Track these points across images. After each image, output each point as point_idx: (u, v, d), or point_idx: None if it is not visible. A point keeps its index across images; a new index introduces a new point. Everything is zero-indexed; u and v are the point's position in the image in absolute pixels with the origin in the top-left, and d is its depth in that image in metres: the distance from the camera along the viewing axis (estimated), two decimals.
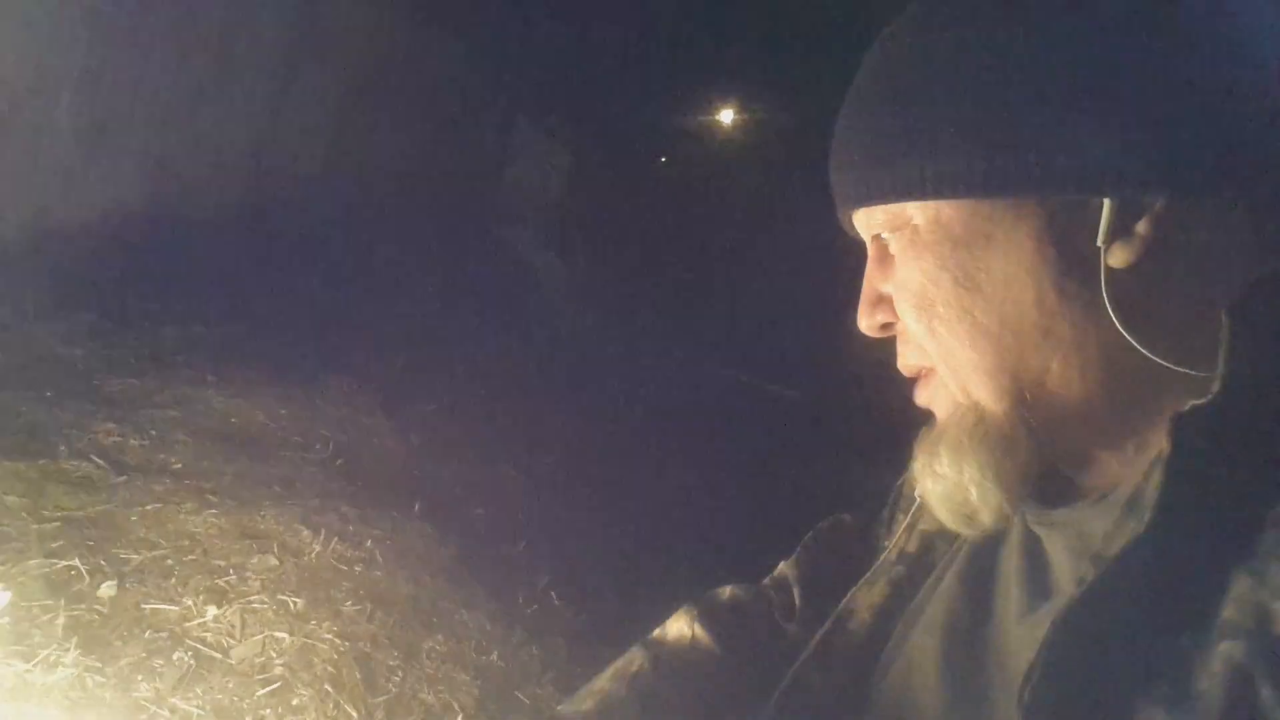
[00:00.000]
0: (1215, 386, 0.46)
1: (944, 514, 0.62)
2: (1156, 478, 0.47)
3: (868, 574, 0.75)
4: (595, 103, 13.30)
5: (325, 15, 6.96)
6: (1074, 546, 0.57)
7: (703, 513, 4.23)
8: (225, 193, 6.18)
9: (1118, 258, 0.53)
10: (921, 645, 0.66)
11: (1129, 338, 0.52)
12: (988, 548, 0.66)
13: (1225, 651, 0.42)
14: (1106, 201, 0.52)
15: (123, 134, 5.03)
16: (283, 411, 3.50)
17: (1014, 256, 0.55)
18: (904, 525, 0.75)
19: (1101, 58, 0.52)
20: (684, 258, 14.38)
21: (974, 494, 0.59)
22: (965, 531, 0.63)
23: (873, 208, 0.62)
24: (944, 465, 0.60)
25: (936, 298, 0.58)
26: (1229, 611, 0.43)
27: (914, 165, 0.57)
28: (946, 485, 0.60)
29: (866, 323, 0.66)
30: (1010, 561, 0.63)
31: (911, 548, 0.74)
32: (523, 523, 3.30)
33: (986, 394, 0.58)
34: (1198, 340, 0.50)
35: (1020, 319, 0.56)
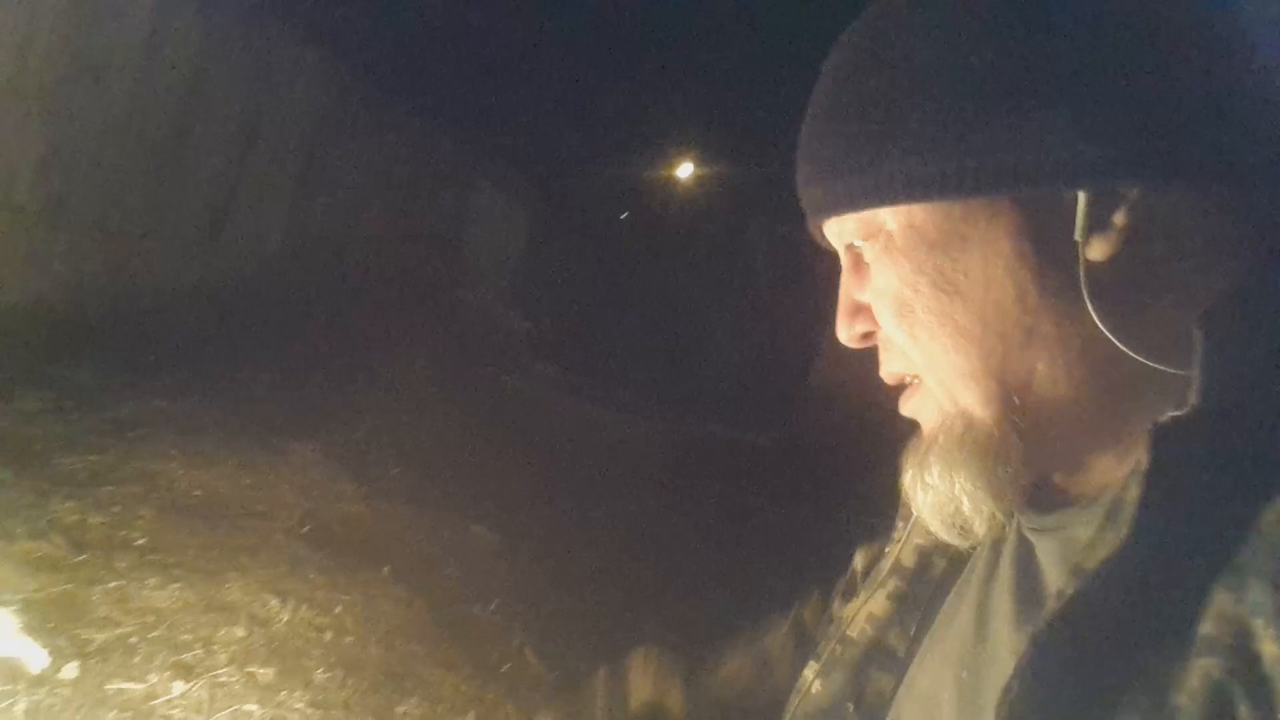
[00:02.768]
0: (1191, 399, 0.46)
1: (936, 525, 0.61)
2: (1135, 489, 0.46)
3: (866, 583, 0.75)
4: (553, 161, 13.51)
5: (282, 86, 7.05)
6: (1062, 553, 0.57)
7: (675, 564, 4.22)
8: (184, 265, 6.17)
9: (1097, 251, 0.52)
10: (931, 668, 0.66)
11: (1107, 334, 0.51)
12: (989, 558, 0.65)
13: (1203, 667, 0.42)
14: (1081, 194, 0.51)
15: (81, 210, 5.03)
16: (247, 481, 3.47)
17: (991, 256, 0.54)
18: (899, 539, 0.74)
19: (1065, 49, 0.52)
20: (647, 312, 14.50)
21: (966, 504, 0.58)
22: (959, 543, 0.62)
23: (844, 216, 0.61)
24: (934, 476, 0.59)
25: (916, 303, 0.57)
26: (1207, 627, 0.43)
27: (882, 170, 0.56)
28: (938, 496, 0.59)
29: (846, 333, 0.64)
30: (1005, 571, 0.62)
31: (908, 561, 0.73)
32: (494, 582, 3.27)
33: (973, 399, 0.57)
34: (1180, 337, 0.49)
35: (1002, 320, 0.55)
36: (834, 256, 0.67)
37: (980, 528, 0.59)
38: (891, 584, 0.72)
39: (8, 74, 4.25)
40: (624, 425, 7.75)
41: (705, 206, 15.95)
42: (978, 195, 0.54)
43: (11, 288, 4.52)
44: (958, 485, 0.57)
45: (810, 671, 0.73)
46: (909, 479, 0.62)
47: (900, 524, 0.75)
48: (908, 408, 0.63)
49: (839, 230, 0.63)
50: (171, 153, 5.78)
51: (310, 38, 7.16)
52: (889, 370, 0.63)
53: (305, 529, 3.20)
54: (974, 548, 0.67)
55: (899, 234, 0.58)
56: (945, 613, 0.68)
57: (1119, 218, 0.51)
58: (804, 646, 0.84)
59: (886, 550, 0.75)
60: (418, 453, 4.55)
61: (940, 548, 0.71)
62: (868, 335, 0.63)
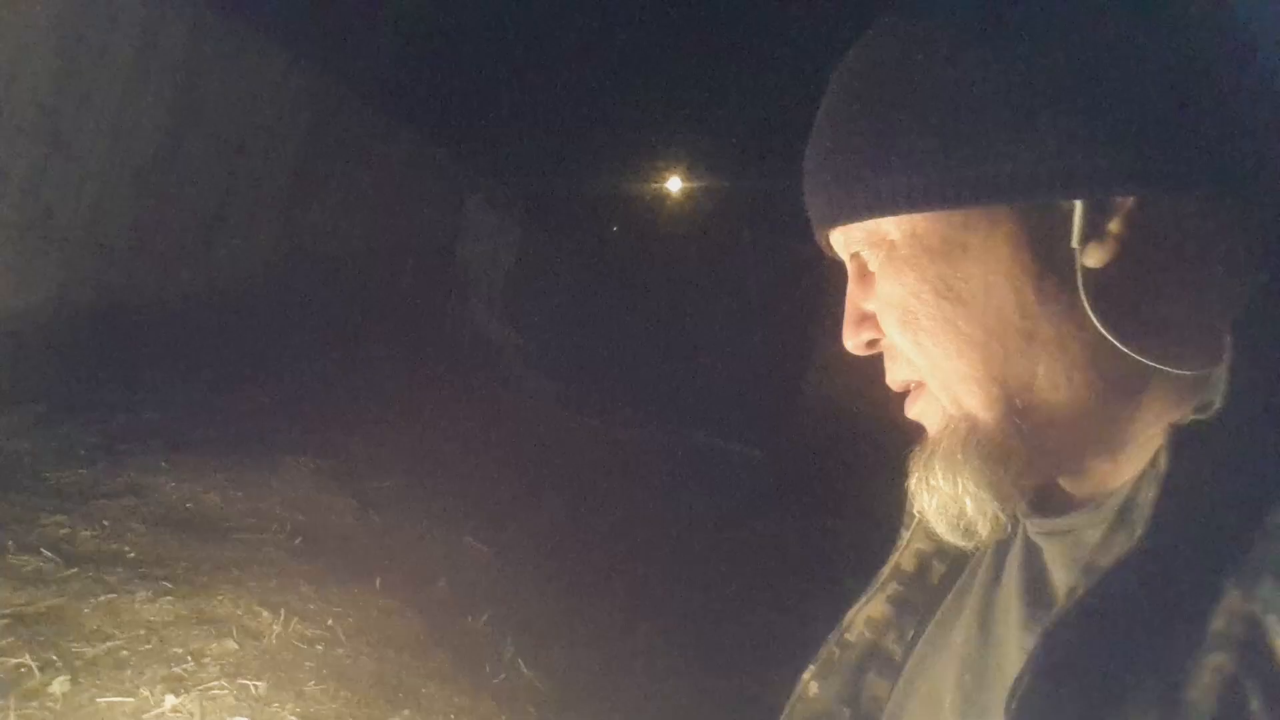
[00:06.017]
0: (1217, 402, 0.46)
1: (942, 527, 0.62)
2: (1150, 490, 0.47)
3: (867, 590, 0.75)
4: (544, 175, 13.56)
5: (272, 100, 7.07)
6: (1070, 555, 0.57)
7: (668, 575, 4.23)
8: (175, 279, 6.16)
9: (1093, 258, 0.53)
10: (932, 671, 0.67)
11: (1109, 337, 0.53)
12: (993, 563, 0.66)
13: (1215, 662, 0.43)
14: (1078, 203, 0.53)
15: (71, 223, 5.03)
16: (238, 494, 3.46)
17: (992, 264, 0.56)
18: (901, 543, 0.75)
19: (1060, 62, 0.53)
20: (639, 324, 14.53)
21: (970, 506, 0.59)
22: (963, 544, 0.63)
23: (850, 226, 0.62)
24: (939, 478, 0.60)
25: (919, 311, 0.59)
26: (1219, 623, 0.43)
27: (885, 182, 0.57)
28: (942, 498, 0.60)
29: (853, 341, 0.65)
30: (1012, 575, 0.63)
31: (908, 566, 0.74)
32: (486, 593, 3.27)
33: (976, 403, 0.58)
34: (1187, 339, 0.51)
35: (1004, 326, 0.56)
36: (836, 264, 0.69)
37: (984, 529, 0.60)
38: (891, 588, 0.73)
39: None
40: (616, 437, 7.76)
41: (694, 219, 16.02)
42: (976, 204, 0.55)
43: (1, 301, 4.51)
44: (961, 486, 0.58)
45: (808, 675, 0.74)
46: (914, 481, 0.63)
47: (904, 531, 0.76)
48: (913, 411, 0.64)
49: (845, 239, 0.64)
50: (162, 167, 5.79)
51: (300, 52, 7.18)
52: (894, 378, 0.64)
53: (296, 541, 3.19)
54: (975, 552, 0.68)
55: (902, 243, 0.59)
56: (944, 617, 0.69)
57: (1114, 225, 0.53)
58: None
59: (893, 554, 0.76)
60: (409, 465, 4.54)
61: (940, 553, 0.72)
62: (873, 343, 0.65)
